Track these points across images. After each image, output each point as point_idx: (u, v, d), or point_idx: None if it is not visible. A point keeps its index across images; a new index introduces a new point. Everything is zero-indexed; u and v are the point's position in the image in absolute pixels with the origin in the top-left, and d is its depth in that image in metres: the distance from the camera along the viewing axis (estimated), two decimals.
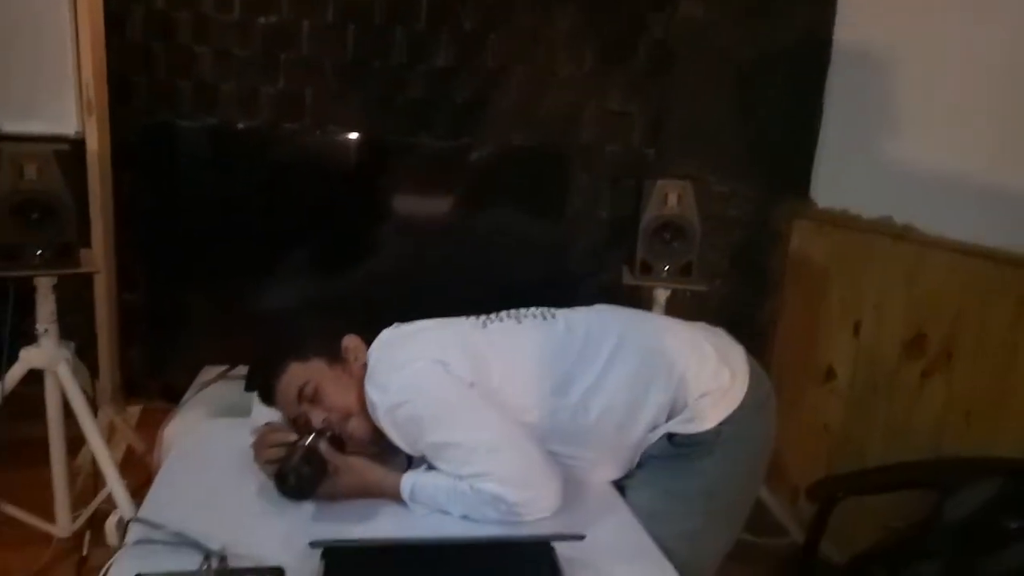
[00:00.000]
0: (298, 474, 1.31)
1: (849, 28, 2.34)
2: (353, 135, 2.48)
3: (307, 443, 1.36)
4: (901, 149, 2.17)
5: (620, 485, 1.51)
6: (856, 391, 2.23)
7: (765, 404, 1.49)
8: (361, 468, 1.39)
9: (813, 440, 2.32)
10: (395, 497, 1.35)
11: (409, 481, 1.35)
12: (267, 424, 1.46)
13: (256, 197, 2.44)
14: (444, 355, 1.42)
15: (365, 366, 1.48)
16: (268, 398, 1.48)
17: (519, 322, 1.52)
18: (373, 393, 1.41)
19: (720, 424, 1.42)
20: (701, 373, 1.45)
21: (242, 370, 2.09)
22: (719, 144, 2.49)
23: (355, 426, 1.43)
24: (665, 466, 1.46)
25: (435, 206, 2.65)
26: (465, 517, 1.31)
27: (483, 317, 1.55)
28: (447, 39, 2.49)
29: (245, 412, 1.62)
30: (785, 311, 2.52)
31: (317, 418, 1.41)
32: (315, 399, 1.43)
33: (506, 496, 1.28)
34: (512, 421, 1.38)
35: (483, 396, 1.40)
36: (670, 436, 1.44)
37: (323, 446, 1.37)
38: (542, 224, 2.67)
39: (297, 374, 1.44)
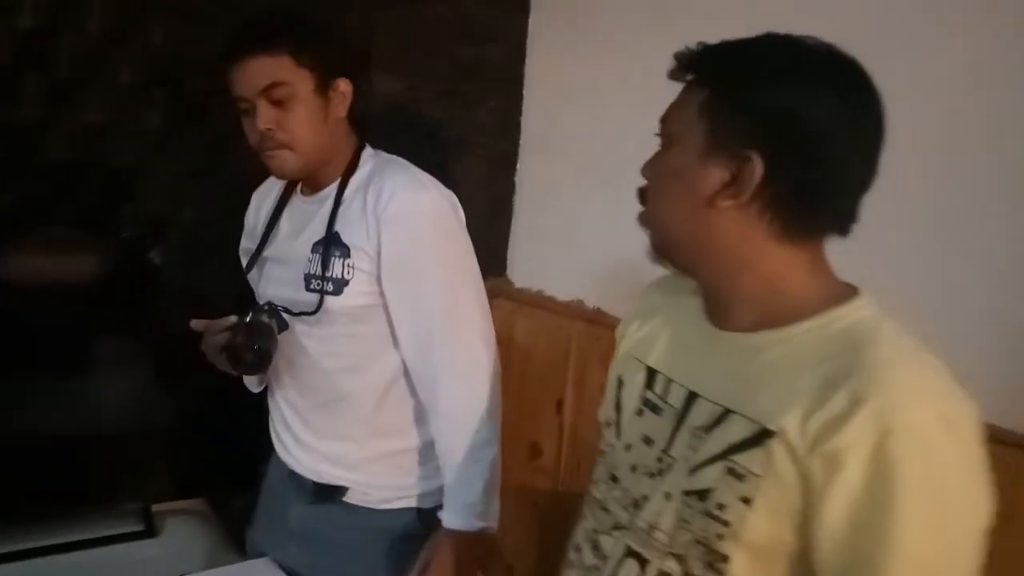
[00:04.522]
0: (243, 350, 1.39)
1: (536, 117, 2.33)
2: None
3: (248, 319, 1.42)
4: (587, 234, 2.27)
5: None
6: (562, 468, 2.39)
7: None
8: None
9: (525, 518, 2.39)
10: None
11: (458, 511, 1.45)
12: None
13: None
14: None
15: (346, 127, 1.48)
16: (240, 46, 1.35)
17: None
18: (397, 173, 1.44)
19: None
20: None
21: None
22: None
23: (289, 160, 1.41)
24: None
25: None
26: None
27: None
28: None
29: None
30: None
31: (263, 119, 1.35)
32: (281, 107, 1.36)
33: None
34: None
35: None
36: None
37: (264, 319, 1.43)
38: None
39: (282, 70, 1.35)
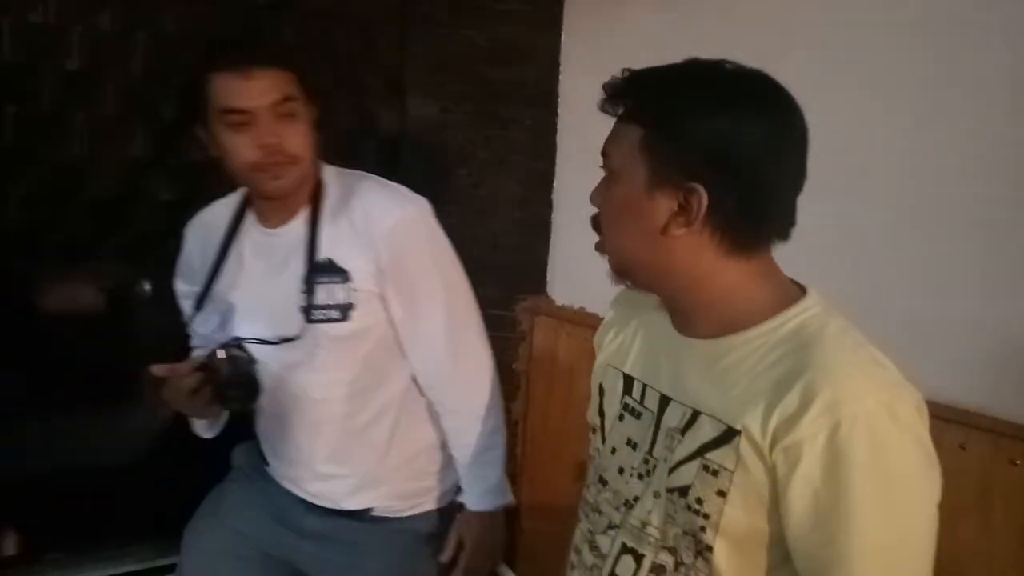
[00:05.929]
0: (238, 384, 1.36)
1: (571, 135, 2.33)
2: None
3: (222, 356, 1.36)
4: None
5: None
6: None
7: None
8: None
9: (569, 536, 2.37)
10: None
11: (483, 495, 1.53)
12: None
13: None
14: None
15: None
16: (252, 57, 1.36)
17: None
18: (376, 190, 1.49)
19: None
20: None
21: None
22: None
23: (293, 175, 1.40)
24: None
25: None
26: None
27: None
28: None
29: None
30: (532, 408, 2.52)
31: (271, 132, 1.35)
32: (290, 120, 1.38)
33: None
34: None
35: None
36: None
37: (236, 352, 1.40)
38: None
39: (292, 85, 1.39)
